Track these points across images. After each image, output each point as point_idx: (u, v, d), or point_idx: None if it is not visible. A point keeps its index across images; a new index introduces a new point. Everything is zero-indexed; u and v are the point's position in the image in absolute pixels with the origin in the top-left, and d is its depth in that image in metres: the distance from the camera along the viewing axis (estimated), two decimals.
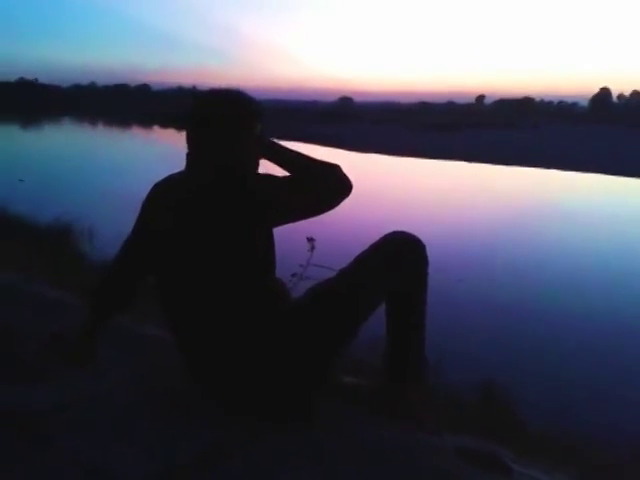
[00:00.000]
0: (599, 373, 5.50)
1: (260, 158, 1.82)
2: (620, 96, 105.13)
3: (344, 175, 1.77)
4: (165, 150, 34.19)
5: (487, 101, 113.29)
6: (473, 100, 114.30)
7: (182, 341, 1.84)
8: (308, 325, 1.74)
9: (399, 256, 1.80)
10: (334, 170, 1.77)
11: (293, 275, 3.15)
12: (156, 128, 58.33)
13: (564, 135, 46.03)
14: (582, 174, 24.70)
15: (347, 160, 30.00)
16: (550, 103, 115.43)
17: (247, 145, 1.78)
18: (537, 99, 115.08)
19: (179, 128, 50.98)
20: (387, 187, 19.60)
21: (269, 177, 1.74)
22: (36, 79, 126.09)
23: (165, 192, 1.84)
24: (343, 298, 1.76)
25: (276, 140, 1.85)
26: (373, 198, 14.85)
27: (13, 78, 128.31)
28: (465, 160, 28.51)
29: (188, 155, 1.80)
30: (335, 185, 1.76)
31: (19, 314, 2.54)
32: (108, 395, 1.91)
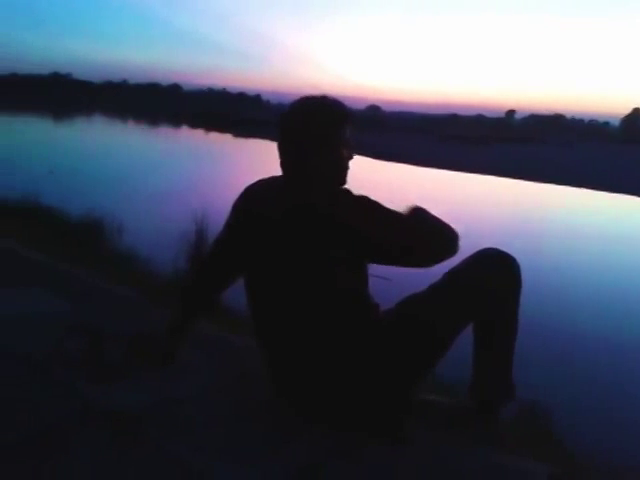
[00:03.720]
0: None
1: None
2: None
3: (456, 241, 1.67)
4: (192, 150, 34.44)
5: (517, 116, 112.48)
6: (503, 114, 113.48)
7: (270, 353, 1.79)
8: (398, 343, 1.68)
9: (492, 276, 1.69)
10: (449, 230, 1.67)
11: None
12: (185, 128, 58.79)
13: (596, 154, 45.36)
14: (616, 195, 24.21)
15: (374, 169, 29.87)
16: (581, 121, 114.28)
17: (340, 153, 1.71)
18: (568, 116, 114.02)
19: (208, 129, 52.00)
20: (417, 197, 19.39)
21: (371, 207, 1.65)
22: (69, 74, 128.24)
23: (256, 198, 1.77)
24: (434, 318, 1.69)
25: None
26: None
27: (47, 72, 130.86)
28: (494, 175, 28.15)
29: (282, 164, 1.72)
30: (445, 244, 1.66)
31: (96, 310, 2.53)
32: (197, 399, 1.87)
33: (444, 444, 1.74)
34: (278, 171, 1.75)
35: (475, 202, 19.66)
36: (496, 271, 1.69)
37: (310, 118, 1.66)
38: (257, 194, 1.79)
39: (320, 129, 1.66)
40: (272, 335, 1.76)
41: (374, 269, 3.19)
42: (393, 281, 3.10)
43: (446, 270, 1.77)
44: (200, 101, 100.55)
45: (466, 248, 1.74)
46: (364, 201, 1.66)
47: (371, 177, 25.44)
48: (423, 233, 1.64)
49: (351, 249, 1.63)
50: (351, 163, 1.79)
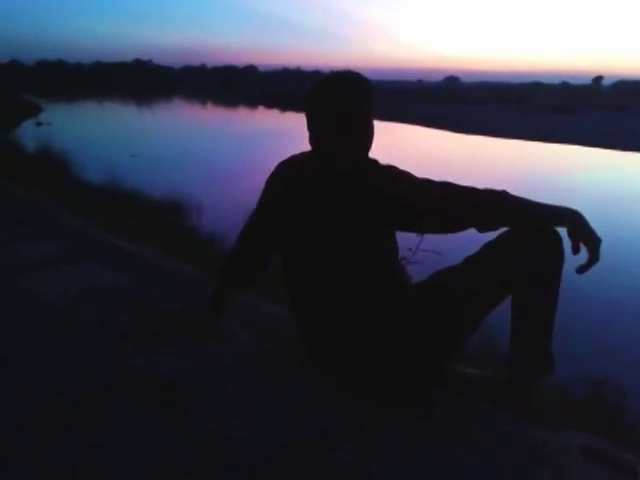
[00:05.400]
0: None
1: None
2: None
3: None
4: (267, 130, 34.91)
5: (605, 82, 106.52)
6: (590, 81, 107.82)
7: (304, 322, 1.84)
8: (431, 313, 1.68)
9: (531, 247, 1.63)
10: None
11: (401, 259, 3.06)
12: (261, 108, 59.63)
13: None
14: None
15: (451, 141, 29.22)
16: None
17: (367, 127, 1.71)
18: None
19: (283, 109, 52.60)
20: (495, 173, 18.84)
21: (405, 177, 1.66)
22: (150, 60, 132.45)
23: (290, 173, 1.82)
24: (467, 289, 1.67)
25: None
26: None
27: (129, 59, 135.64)
28: (580, 144, 26.89)
29: (311, 139, 1.75)
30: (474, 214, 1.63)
31: (153, 286, 2.66)
32: (233, 367, 1.95)
33: (476, 417, 1.72)
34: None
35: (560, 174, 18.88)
36: (534, 243, 1.62)
37: (350, 92, 1.67)
38: (292, 168, 1.82)
39: (362, 101, 1.68)
40: (306, 303, 1.80)
41: (424, 244, 3.15)
42: (444, 255, 3.06)
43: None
44: (275, 81, 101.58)
45: None
46: (395, 170, 1.68)
47: (452, 151, 24.94)
48: (453, 199, 1.62)
49: (388, 217, 1.65)
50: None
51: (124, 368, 1.88)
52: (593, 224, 1.60)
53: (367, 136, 1.72)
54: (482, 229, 1.65)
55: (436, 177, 1.69)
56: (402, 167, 1.73)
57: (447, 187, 1.64)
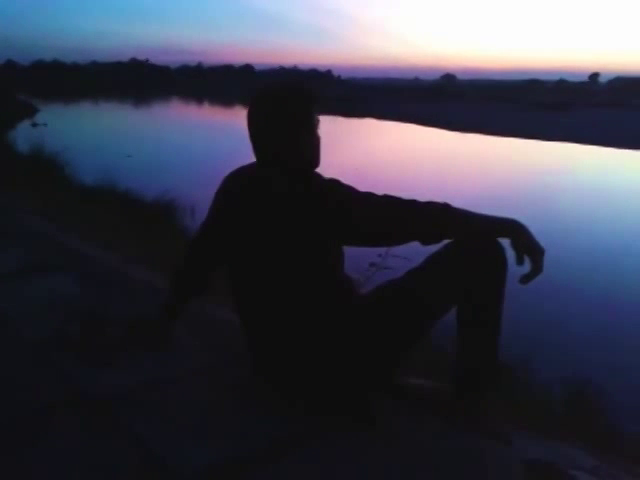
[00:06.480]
0: None
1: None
2: None
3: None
4: None
5: (602, 79, 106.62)
6: (586, 78, 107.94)
7: (249, 330, 1.82)
8: (373, 323, 1.67)
9: (474, 259, 1.62)
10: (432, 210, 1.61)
11: (372, 265, 3.07)
12: None
13: None
14: None
15: (448, 140, 29.20)
16: None
17: (308, 138, 1.72)
18: None
19: None
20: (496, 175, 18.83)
21: (348, 190, 1.65)
22: (147, 59, 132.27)
23: (236, 185, 1.81)
24: (410, 298, 1.65)
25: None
26: (473, 186, 14.26)
27: (126, 58, 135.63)
28: (576, 142, 26.85)
29: (258, 149, 1.76)
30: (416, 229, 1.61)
31: (112, 298, 2.60)
32: (180, 381, 1.92)
33: (421, 428, 1.70)
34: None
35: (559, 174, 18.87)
36: (478, 253, 1.61)
37: (290, 101, 1.69)
38: (239, 180, 1.81)
39: (303, 112, 1.70)
40: (251, 312, 1.78)
41: (394, 250, 3.14)
42: (412, 260, 3.04)
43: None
44: (272, 80, 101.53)
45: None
46: (338, 183, 1.66)
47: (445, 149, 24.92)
48: (396, 212, 1.60)
49: (331, 230, 1.62)
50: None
51: (68, 384, 1.85)
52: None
53: (312, 148, 1.72)
54: (425, 242, 1.62)
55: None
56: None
57: (389, 200, 1.62)
